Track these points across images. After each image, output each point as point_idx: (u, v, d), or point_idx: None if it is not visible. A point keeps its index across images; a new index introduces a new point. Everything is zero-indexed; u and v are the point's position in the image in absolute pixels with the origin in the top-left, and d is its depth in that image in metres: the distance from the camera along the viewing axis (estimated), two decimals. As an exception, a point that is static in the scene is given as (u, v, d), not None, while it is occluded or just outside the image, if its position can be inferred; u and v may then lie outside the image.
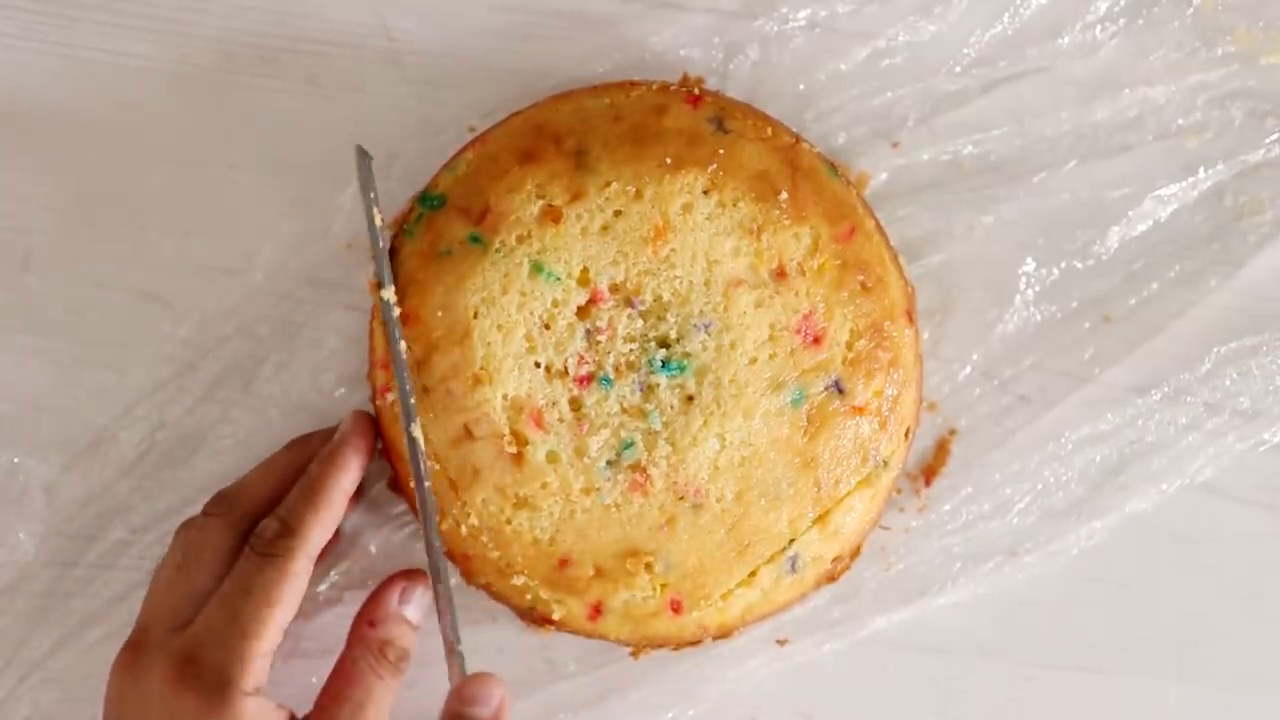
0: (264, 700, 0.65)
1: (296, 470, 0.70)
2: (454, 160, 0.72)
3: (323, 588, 0.75)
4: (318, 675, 0.72)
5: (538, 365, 0.69)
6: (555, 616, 0.70)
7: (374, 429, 0.71)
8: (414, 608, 0.72)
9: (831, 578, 0.73)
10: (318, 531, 0.68)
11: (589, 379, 0.69)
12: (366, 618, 0.71)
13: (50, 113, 0.76)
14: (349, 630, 0.71)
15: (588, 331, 0.69)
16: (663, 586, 0.69)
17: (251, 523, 0.69)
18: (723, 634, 0.71)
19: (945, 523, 0.75)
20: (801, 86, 0.76)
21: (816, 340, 0.69)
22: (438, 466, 0.69)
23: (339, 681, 0.69)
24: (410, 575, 0.73)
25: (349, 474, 0.69)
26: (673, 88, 0.72)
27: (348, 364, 0.75)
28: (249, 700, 0.65)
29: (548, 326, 0.69)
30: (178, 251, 0.75)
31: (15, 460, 0.75)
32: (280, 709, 0.66)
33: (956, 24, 0.76)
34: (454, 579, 0.72)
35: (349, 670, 0.69)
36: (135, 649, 0.67)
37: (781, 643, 0.74)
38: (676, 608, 0.69)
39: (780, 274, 0.69)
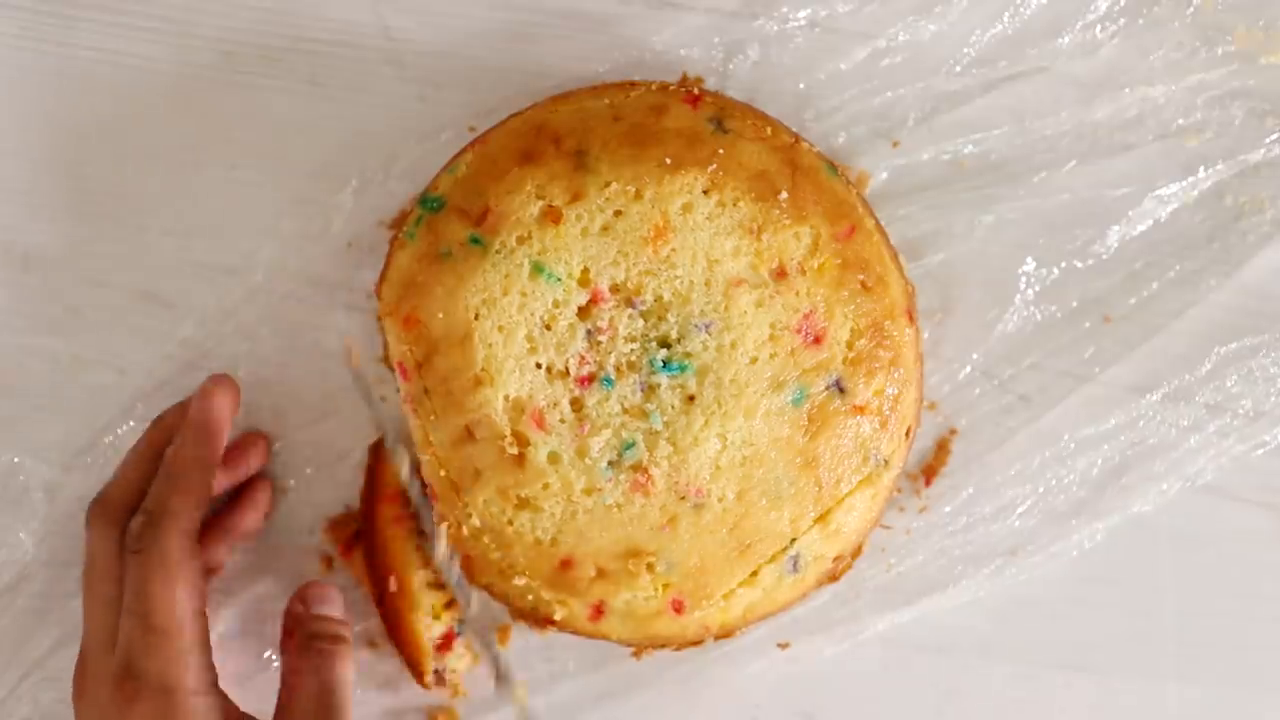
0: (214, 699, 0.65)
1: (156, 452, 0.70)
2: (454, 161, 0.72)
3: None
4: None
5: (539, 366, 0.69)
6: (557, 617, 0.70)
7: (230, 394, 0.70)
8: (323, 605, 0.72)
9: (833, 577, 0.73)
10: (185, 510, 0.66)
11: (590, 379, 0.69)
12: (293, 610, 0.71)
13: (50, 113, 0.76)
14: (281, 631, 0.71)
15: (588, 332, 0.69)
16: (664, 586, 0.69)
17: (127, 516, 0.68)
18: (724, 634, 0.72)
19: (946, 524, 0.75)
20: (801, 86, 0.76)
21: (817, 340, 0.69)
22: (444, 473, 0.69)
23: (295, 672, 0.68)
24: (302, 586, 0.72)
25: (205, 446, 0.68)
26: (672, 88, 0.72)
27: (347, 364, 0.75)
28: (198, 699, 0.64)
29: (548, 327, 0.69)
30: (178, 251, 0.75)
31: (15, 460, 0.75)
32: (233, 707, 0.66)
33: (956, 24, 0.76)
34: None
35: (301, 661, 0.69)
36: (80, 678, 0.67)
37: (783, 646, 0.75)
38: (678, 608, 0.69)
39: (780, 273, 0.69)
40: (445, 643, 0.74)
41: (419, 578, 0.73)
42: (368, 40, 0.76)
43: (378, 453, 0.74)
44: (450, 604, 0.73)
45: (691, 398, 0.69)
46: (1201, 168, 0.76)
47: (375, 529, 0.73)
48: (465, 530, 0.69)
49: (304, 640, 0.70)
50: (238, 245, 0.75)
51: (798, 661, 0.75)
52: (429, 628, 0.73)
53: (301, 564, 0.76)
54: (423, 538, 0.73)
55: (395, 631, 0.73)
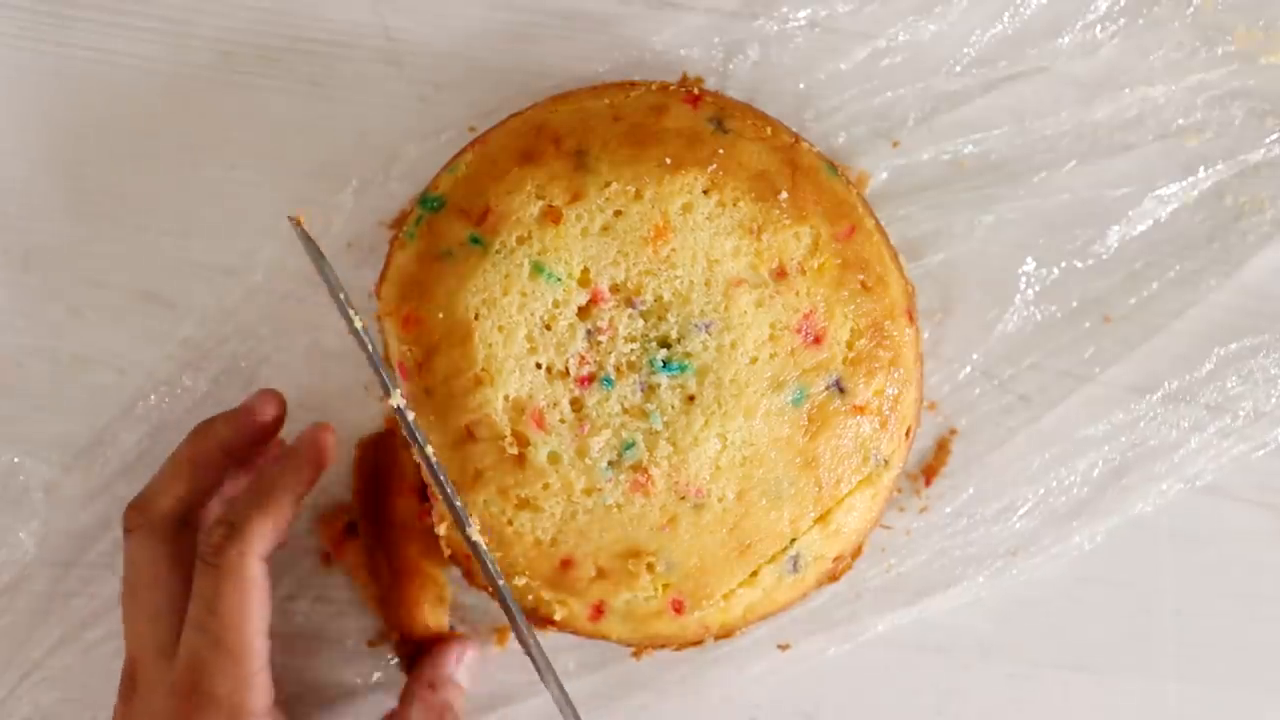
0: (277, 716, 0.66)
1: (204, 460, 0.69)
2: (454, 161, 0.72)
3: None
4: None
5: (539, 366, 0.69)
6: (557, 617, 0.70)
7: (331, 447, 0.69)
8: (465, 672, 0.72)
9: (833, 577, 0.73)
10: (267, 535, 0.66)
11: (590, 379, 0.69)
12: (426, 680, 0.71)
13: (49, 113, 0.76)
14: (404, 689, 0.71)
15: (589, 332, 0.69)
16: (664, 586, 0.69)
17: (174, 524, 0.68)
18: (724, 634, 0.71)
19: (946, 524, 0.75)
20: (801, 86, 0.76)
21: (817, 339, 0.69)
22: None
23: None
24: (462, 641, 0.73)
25: (302, 479, 0.68)
26: (672, 88, 0.72)
27: (348, 364, 0.75)
28: None
29: (549, 327, 0.69)
30: (178, 251, 0.75)
31: (15, 460, 0.75)
32: None
33: (956, 24, 0.76)
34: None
35: None
36: (131, 683, 0.67)
37: (784, 646, 0.75)
38: (678, 608, 0.69)
39: (780, 273, 0.69)
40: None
41: (435, 573, 0.73)
42: (368, 40, 0.76)
43: (383, 445, 0.74)
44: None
45: (691, 398, 0.69)
46: (1201, 168, 0.76)
47: (390, 523, 0.73)
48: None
49: (440, 708, 0.70)
50: (238, 245, 0.75)
51: (798, 662, 0.75)
52: (438, 618, 0.73)
53: (300, 561, 0.76)
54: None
55: (403, 622, 0.73)
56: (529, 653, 0.68)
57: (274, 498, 0.66)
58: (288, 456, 0.68)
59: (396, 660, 0.75)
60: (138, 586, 0.67)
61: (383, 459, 0.74)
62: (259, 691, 0.65)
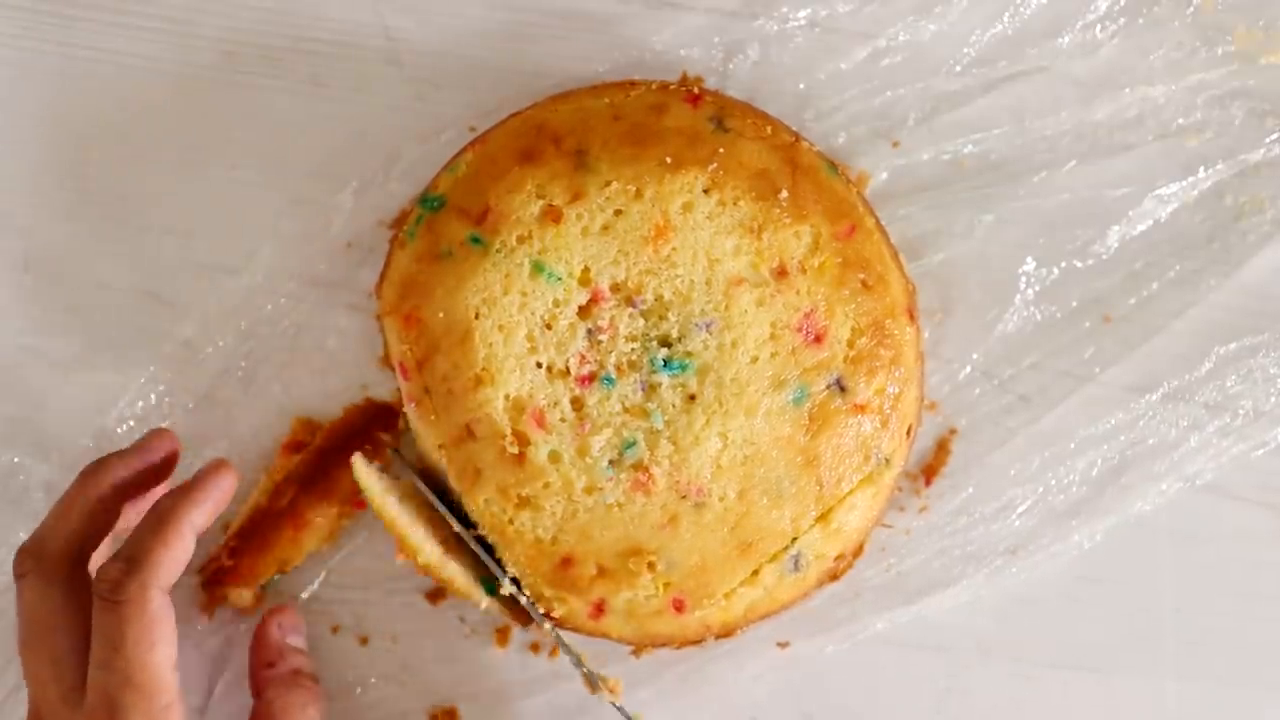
0: None
1: (95, 501, 0.67)
2: (454, 161, 0.72)
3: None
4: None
5: (539, 365, 0.69)
6: (557, 615, 0.70)
7: (231, 486, 0.68)
8: (295, 634, 0.72)
9: (834, 576, 0.73)
10: (167, 566, 0.63)
11: (591, 378, 0.69)
12: (263, 663, 0.71)
13: (50, 113, 0.76)
14: (250, 685, 0.71)
15: (589, 331, 0.69)
16: (665, 585, 0.69)
17: (68, 566, 0.66)
18: (725, 633, 0.71)
19: (946, 523, 0.75)
20: (801, 86, 0.76)
21: (818, 338, 0.69)
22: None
23: (283, 710, 0.68)
24: (274, 610, 0.73)
25: (202, 511, 0.66)
26: (672, 87, 0.72)
27: (348, 364, 0.75)
28: None
29: (549, 326, 0.69)
30: (178, 251, 0.75)
31: (15, 460, 0.75)
32: None
33: (956, 23, 0.76)
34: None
35: (290, 696, 0.69)
36: None
37: (783, 645, 0.74)
38: (679, 607, 0.69)
39: (781, 272, 0.69)
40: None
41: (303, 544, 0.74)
42: (368, 40, 0.76)
43: (376, 416, 0.74)
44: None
45: (692, 397, 0.69)
46: (1201, 168, 0.76)
47: (326, 475, 0.73)
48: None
49: (290, 676, 0.70)
50: (238, 245, 0.75)
51: (798, 661, 0.75)
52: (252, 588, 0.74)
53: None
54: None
55: (247, 549, 0.74)
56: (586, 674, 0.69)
57: (173, 528, 0.64)
58: (187, 488, 0.66)
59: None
60: (36, 632, 0.65)
61: (369, 428, 0.74)
62: None
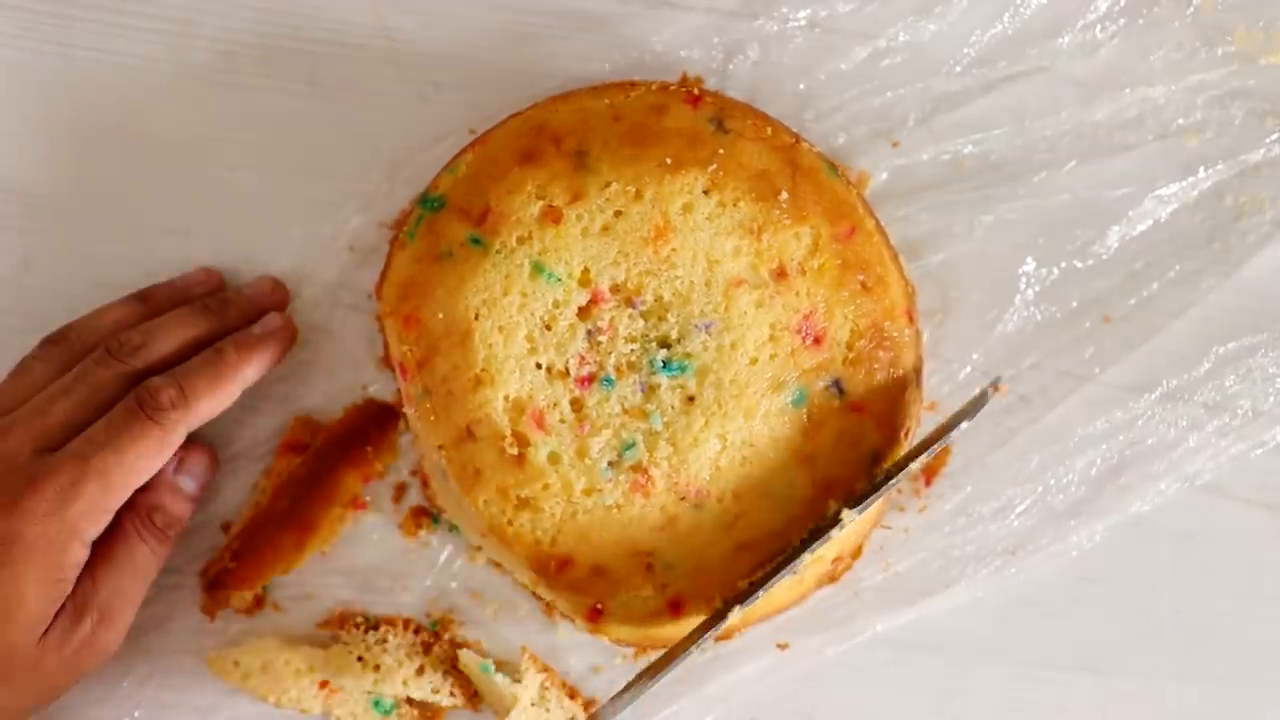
0: (86, 550, 0.66)
1: (145, 315, 0.71)
2: (454, 161, 0.72)
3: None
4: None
5: (539, 366, 0.69)
6: (555, 617, 0.70)
7: (294, 339, 0.72)
8: (189, 478, 0.72)
9: (832, 578, 0.73)
10: (207, 409, 0.68)
11: (590, 379, 0.69)
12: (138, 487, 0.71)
13: (51, 113, 0.76)
14: None
15: (589, 332, 0.69)
16: (663, 587, 0.69)
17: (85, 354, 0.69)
18: (723, 635, 0.71)
19: (945, 523, 0.75)
20: (801, 86, 0.76)
21: (817, 340, 0.69)
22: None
23: (105, 543, 0.68)
24: (189, 447, 0.71)
25: (255, 368, 0.70)
26: (672, 88, 0.72)
27: (348, 364, 0.75)
28: (83, 551, 0.66)
29: (549, 327, 0.69)
30: (178, 251, 0.75)
31: (15, 460, 0.75)
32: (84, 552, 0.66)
33: (956, 24, 0.76)
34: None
35: (115, 533, 0.69)
36: None
37: (782, 646, 0.75)
38: (677, 608, 0.69)
39: (781, 274, 0.69)
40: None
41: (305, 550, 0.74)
42: (368, 40, 0.76)
43: (377, 418, 0.75)
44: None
45: (691, 398, 0.69)
46: (1201, 168, 0.76)
47: (327, 479, 0.74)
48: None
49: (147, 514, 0.70)
50: (237, 245, 0.75)
51: (797, 661, 0.75)
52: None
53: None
54: None
55: (247, 557, 0.74)
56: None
57: (227, 376, 0.69)
58: (251, 342, 0.70)
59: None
60: (80, 399, 0.68)
61: (369, 428, 0.74)
62: (99, 528, 0.66)
